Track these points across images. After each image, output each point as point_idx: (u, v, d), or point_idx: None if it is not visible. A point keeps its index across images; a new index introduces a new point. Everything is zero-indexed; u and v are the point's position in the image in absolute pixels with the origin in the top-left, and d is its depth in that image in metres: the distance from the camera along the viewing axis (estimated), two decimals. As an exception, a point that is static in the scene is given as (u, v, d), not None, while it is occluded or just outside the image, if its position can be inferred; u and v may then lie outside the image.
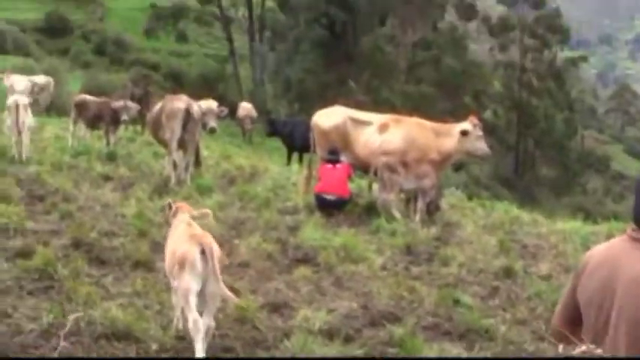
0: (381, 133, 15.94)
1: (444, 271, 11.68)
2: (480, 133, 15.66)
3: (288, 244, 12.51)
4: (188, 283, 7.53)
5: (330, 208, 15.05)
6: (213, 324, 7.61)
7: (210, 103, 20.34)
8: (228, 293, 7.62)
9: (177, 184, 17.05)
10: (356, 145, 16.05)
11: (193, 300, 7.49)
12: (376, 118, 16.64)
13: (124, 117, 22.09)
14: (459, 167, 44.38)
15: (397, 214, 14.67)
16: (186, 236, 7.99)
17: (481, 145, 15.69)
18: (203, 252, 7.55)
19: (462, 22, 68.93)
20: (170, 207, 8.87)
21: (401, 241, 12.96)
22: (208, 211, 9.21)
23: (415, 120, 16.56)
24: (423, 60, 61.12)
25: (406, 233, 13.53)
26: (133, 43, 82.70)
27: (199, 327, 7.33)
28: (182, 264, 7.64)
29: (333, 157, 15.62)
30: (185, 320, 7.79)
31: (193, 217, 8.53)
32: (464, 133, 15.49)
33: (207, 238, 7.81)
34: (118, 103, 22.14)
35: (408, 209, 15.31)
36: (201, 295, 7.53)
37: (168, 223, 8.95)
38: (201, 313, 7.44)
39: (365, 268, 11.31)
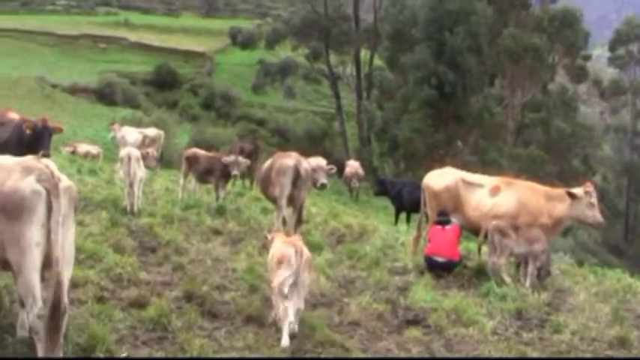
0: (492, 195, 15.84)
1: (555, 338, 11.44)
2: (593, 200, 15.36)
3: (398, 304, 12.48)
4: (284, 276, 9.99)
5: (439, 270, 15.00)
6: (302, 306, 10.31)
7: (320, 161, 20.64)
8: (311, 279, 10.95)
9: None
10: (467, 207, 15.95)
11: (286, 290, 9.92)
12: (488, 180, 16.51)
13: (235, 172, 22.34)
14: (565, 232, 43.65)
15: (507, 279, 14.49)
16: (282, 242, 10.78)
17: (593, 213, 15.36)
18: (296, 252, 10.19)
19: (573, 84, 67.98)
20: (266, 237, 11.88)
21: (511, 306, 12.76)
22: (297, 237, 12.14)
23: (527, 183, 16.43)
24: (532, 121, 60.44)
25: (517, 298, 13.28)
26: (240, 98, 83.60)
27: (289, 314, 9.91)
28: (280, 261, 10.25)
29: (443, 219, 15.55)
30: (277, 308, 10.21)
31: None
32: (574, 198, 15.30)
33: (299, 242, 10.69)
34: (229, 158, 22.40)
35: (518, 273, 15.12)
36: (294, 285, 9.98)
37: (267, 250, 11.38)
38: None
39: (475, 332, 11.21)
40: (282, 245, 10.59)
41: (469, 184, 16.27)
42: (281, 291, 9.98)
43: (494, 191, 15.87)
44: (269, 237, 11.56)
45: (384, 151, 59.51)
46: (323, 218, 23.03)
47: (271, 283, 10.45)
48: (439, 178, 16.58)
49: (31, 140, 17.55)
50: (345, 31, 74.27)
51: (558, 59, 61.49)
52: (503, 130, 57.90)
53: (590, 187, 15.45)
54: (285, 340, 9.83)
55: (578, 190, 15.44)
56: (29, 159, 8.50)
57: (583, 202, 15.27)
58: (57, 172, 8.44)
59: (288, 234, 12.99)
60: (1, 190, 7.99)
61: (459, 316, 11.78)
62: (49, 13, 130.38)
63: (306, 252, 10.52)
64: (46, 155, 18.58)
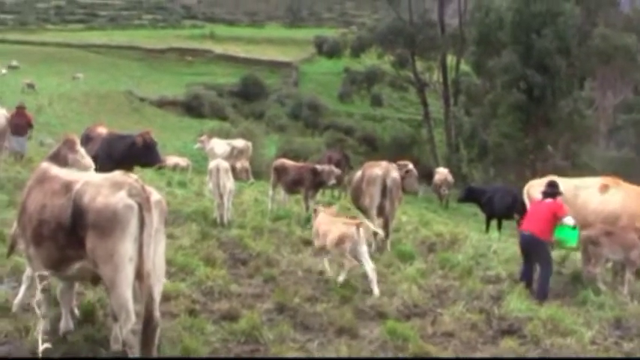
0: (601, 193, 15.47)
1: (658, 347, 11.10)
2: None
3: (492, 314, 12.25)
4: (348, 250, 13.37)
5: (524, 246, 14.43)
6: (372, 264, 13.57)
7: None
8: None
9: (377, 251, 17.04)
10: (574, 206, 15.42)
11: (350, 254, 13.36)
12: (593, 181, 16.16)
13: (332, 181, 22.35)
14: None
15: (603, 287, 14.14)
16: (340, 222, 14.03)
17: None
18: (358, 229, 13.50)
19: (665, 83, 66.61)
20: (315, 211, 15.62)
21: (610, 315, 12.45)
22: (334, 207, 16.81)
23: (633, 186, 15.97)
24: (624, 123, 59.35)
25: (615, 306, 12.97)
26: (327, 107, 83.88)
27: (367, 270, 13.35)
28: (342, 240, 13.43)
29: (549, 190, 14.58)
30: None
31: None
32: None
33: (355, 221, 14.08)
34: (322, 167, 22.39)
35: (615, 281, 14.73)
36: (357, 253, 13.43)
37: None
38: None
39: (573, 342, 10.91)
40: (344, 225, 13.75)
41: (576, 187, 15.86)
42: (349, 259, 13.37)
43: (603, 189, 15.49)
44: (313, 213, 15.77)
45: (473, 158, 59.00)
46: (414, 226, 22.87)
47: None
48: (540, 188, 16.04)
49: (143, 153, 18.03)
50: (430, 37, 74.07)
51: (650, 58, 60.19)
52: (594, 133, 56.91)
53: None
54: (376, 291, 13.08)
55: None
56: (118, 174, 8.54)
57: None
58: (147, 187, 8.47)
59: (328, 206, 17.08)
60: (92, 207, 8.04)
61: (555, 326, 11.47)
62: (136, 28, 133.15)
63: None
64: (162, 168, 19.12)
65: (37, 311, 8.46)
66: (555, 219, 13.98)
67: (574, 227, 13.98)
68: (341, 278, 13.53)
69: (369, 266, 13.42)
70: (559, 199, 14.50)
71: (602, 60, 55.42)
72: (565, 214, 13.92)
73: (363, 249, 13.57)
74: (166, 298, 10.85)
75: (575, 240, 14.30)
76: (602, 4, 59.62)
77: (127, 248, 8.00)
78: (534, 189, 16.21)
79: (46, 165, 9.22)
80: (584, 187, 15.90)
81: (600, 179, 16.14)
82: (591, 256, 14.36)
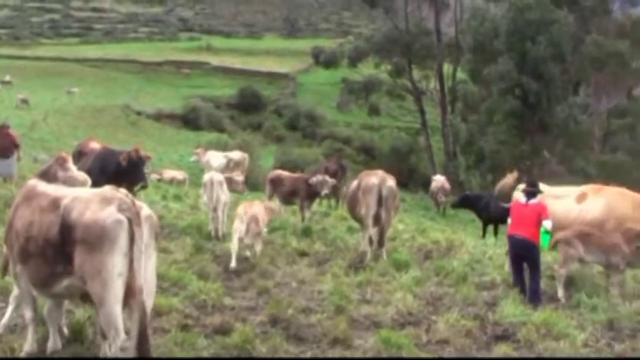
0: (578, 203, 15.57)
1: (649, 347, 11.16)
2: None
3: (486, 320, 12.30)
4: None
5: (519, 249, 14.41)
6: None
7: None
8: None
9: (373, 260, 17.07)
10: (555, 217, 15.53)
11: None
12: (573, 190, 16.25)
13: (325, 191, 22.35)
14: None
15: (560, 291, 14.15)
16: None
17: None
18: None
19: (658, 88, 66.78)
20: None
21: (603, 317, 12.51)
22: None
23: (617, 189, 16.04)
24: (618, 128, 59.49)
25: (608, 308, 13.04)
26: (325, 117, 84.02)
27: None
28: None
29: (530, 189, 14.56)
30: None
31: None
32: None
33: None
34: (316, 178, 22.40)
35: (608, 283, 14.75)
36: None
37: None
38: None
39: (567, 345, 10.94)
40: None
41: (555, 197, 15.93)
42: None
43: (580, 199, 15.58)
44: None
45: (470, 165, 59.10)
46: (410, 235, 22.91)
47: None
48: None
49: (126, 171, 17.80)
50: (426, 45, 74.21)
51: (642, 64, 60.32)
52: (589, 138, 57.00)
53: None
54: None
55: None
56: (107, 189, 8.55)
57: None
58: (137, 201, 8.48)
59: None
60: (81, 222, 8.03)
61: (549, 330, 11.52)
62: (132, 41, 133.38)
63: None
64: (144, 187, 18.88)
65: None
66: (539, 220, 14.07)
67: (548, 232, 14.02)
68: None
69: None
70: (541, 198, 14.61)
71: (596, 66, 55.55)
72: (546, 217, 14.01)
73: None
74: (158, 313, 10.88)
75: (546, 244, 14.37)
76: (596, 12, 59.79)
77: (115, 264, 7.97)
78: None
79: (33, 182, 9.18)
80: (563, 196, 16.01)
81: (581, 188, 16.22)
82: (562, 257, 14.43)
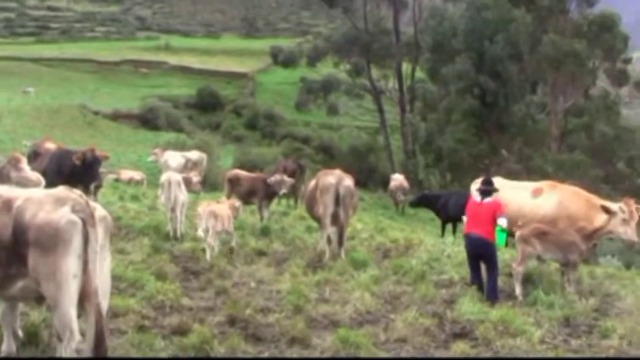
0: (534, 197, 15.77)
1: (604, 343, 11.27)
2: (626, 217, 14.98)
3: (445, 318, 12.33)
4: None
5: (476, 248, 14.49)
6: None
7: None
8: None
9: (331, 259, 17.07)
10: (509, 209, 15.61)
11: None
12: (530, 185, 16.50)
13: (283, 190, 22.34)
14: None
15: (518, 289, 14.23)
16: None
17: (625, 229, 14.94)
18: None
19: (614, 87, 67.21)
20: None
21: (559, 314, 12.62)
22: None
23: (571, 187, 16.25)
24: (575, 127, 59.94)
25: (564, 305, 13.14)
26: (283, 117, 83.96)
27: None
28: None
29: (485, 188, 14.64)
30: None
31: None
32: (608, 212, 15.01)
33: None
34: (274, 178, 22.37)
35: (563, 280, 14.86)
36: None
37: None
38: None
39: (523, 342, 11.00)
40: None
41: (512, 188, 16.17)
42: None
43: (536, 193, 15.79)
44: None
45: (429, 163, 59.48)
46: (369, 234, 22.96)
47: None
48: None
49: (81, 171, 17.63)
50: (385, 45, 74.28)
51: (599, 63, 60.63)
52: (547, 137, 57.34)
53: (629, 205, 15.07)
54: None
55: (613, 205, 15.17)
56: (61, 190, 8.44)
57: (617, 218, 14.95)
58: (91, 202, 8.39)
59: None
60: (34, 223, 7.92)
61: (506, 327, 11.57)
62: (89, 41, 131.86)
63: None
64: (99, 187, 18.68)
65: None
66: (494, 219, 14.12)
67: (504, 230, 14.07)
68: None
69: None
70: (496, 197, 14.68)
71: (553, 66, 55.89)
72: (501, 214, 14.08)
73: None
74: (115, 314, 10.80)
75: (503, 242, 14.45)
76: (553, 11, 60.12)
77: (69, 265, 7.87)
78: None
79: (-16, 183, 9.08)
80: (520, 189, 16.24)
81: (537, 184, 16.43)
82: (519, 254, 14.53)
